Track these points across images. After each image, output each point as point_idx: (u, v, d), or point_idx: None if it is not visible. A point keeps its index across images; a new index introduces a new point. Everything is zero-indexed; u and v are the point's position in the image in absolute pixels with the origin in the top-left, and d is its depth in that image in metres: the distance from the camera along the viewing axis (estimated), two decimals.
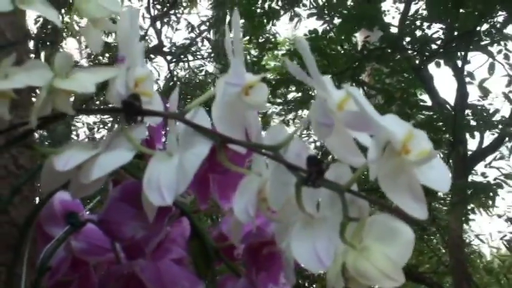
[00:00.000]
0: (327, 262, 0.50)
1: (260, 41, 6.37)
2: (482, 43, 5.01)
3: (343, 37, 5.17)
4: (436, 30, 5.10)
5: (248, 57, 6.63)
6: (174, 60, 7.32)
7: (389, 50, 4.99)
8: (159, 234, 0.70)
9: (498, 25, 4.87)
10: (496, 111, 5.34)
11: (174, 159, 0.56)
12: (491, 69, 5.58)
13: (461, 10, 4.66)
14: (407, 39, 5.00)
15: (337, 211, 0.52)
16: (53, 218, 0.79)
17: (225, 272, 0.75)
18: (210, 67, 7.74)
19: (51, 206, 0.79)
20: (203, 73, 7.55)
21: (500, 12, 4.84)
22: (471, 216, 5.72)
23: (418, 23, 5.08)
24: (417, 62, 5.10)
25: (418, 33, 5.03)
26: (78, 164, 0.57)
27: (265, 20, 5.62)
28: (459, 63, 5.22)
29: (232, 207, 0.71)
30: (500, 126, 5.13)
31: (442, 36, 5.02)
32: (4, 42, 0.75)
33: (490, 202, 5.44)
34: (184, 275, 0.70)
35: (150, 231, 0.71)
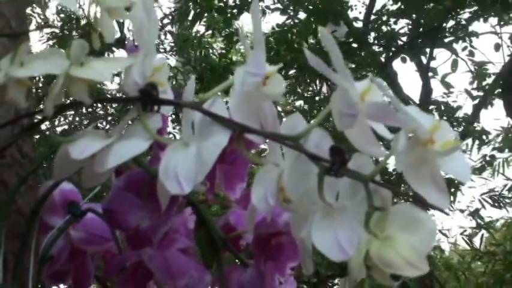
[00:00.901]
0: (349, 251, 0.50)
1: (223, 34, 6.35)
2: (447, 40, 5.05)
3: (309, 31, 5.16)
4: (402, 25, 5.14)
5: (211, 50, 6.60)
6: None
7: (355, 45, 5.01)
8: (167, 223, 0.70)
9: (463, 22, 4.92)
10: (458, 107, 5.40)
11: (191, 148, 0.56)
12: (454, 65, 5.63)
13: (428, 6, 4.69)
14: (374, 34, 5.02)
15: (358, 201, 0.53)
16: (52, 207, 0.79)
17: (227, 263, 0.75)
18: (173, 61, 7.70)
19: (50, 196, 0.78)
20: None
21: (466, 9, 4.89)
22: (431, 212, 5.76)
23: (384, 18, 5.11)
24: (383, 57, 5.13)
25: (385, 28, 5.06)
26: (94, 153, 0.57)
27: (236, 13, 5.59)
28: (423, 59, 5.26)
29: (237, 197, 0.72)
30: (463, 123, 5.19)
31: (408, 32, 5.05)
32: (10, 31, 0.74)
33: (452, 197, 5.50)
34: (192, 265, 0.70)
35: (155, 220, 0.71)
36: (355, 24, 5.18)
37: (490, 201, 5.84)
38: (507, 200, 5.79)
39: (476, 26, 4.92)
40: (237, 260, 0.74)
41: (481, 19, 4.95)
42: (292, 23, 5.39)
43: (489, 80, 5.26)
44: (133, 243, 0.73)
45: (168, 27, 7.27)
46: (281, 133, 0.57)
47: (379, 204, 0.51)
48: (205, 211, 0.72)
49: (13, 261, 0.67)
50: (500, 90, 4.78)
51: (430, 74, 5.36)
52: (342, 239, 0.51)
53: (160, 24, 7.23)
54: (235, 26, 6.53)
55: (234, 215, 0.74)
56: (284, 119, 0.59)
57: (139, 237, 0.71)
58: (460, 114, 5.30)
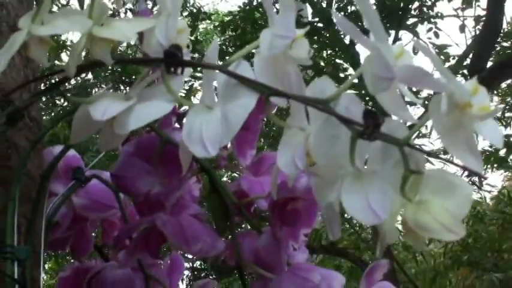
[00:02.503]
0: (382, 215, 0.49)
1: (186, 13, 6.30)
2: (412, 21, 5.07)
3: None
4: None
5: None
6: None
7: (321, 25, 5.00)
8: (180, 188, 0.70)
9: (428, 2, 4.94)
10: (419, 90, 5.42)
11: (215, 111, 0.55)
12: (416, 49, 5.64)
13: None
14: (339, 14, 5.01)
15: (390, 165, 0.52)
16: (55, 174, 0.78)
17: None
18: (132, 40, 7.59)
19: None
20: (125, 44, 7.43)
21: None
22: None
23: None
24: (348, 37, 5.13)
25: (350, 9, 5.06)
26: (116, 114, 0.56)
27: None
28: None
29: (248, 164, 0.71)
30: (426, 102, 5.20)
31: None
32: None
33: None
34: (206, 231, 0.70)
35: (168, 185, 0.70)
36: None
37: None
38: None
39: (441, 8, 4.95)
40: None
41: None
42: (256, 1, 5.37)
43: (452, 62, 5.28)
44: (143, 209, 0.72)
45: (129, 5, 7.21)
46: (309, 97, 0.56)
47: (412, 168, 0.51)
48: (217, 177, 0.72)
49: (25, 224, 0.66)
50: (465, 71, 4.80)
51: None
52: (374, 203, 0.50)
53: (122, 1, 7.12)
54: (197, 4, 6.49)
55: (246, 181, 0.73)
56: None
57: (150, 203, 0.71)
58: (422, 95, 5.33)
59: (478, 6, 5.28)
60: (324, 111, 0.54)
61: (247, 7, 5.13)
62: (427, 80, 0.51)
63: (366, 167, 0.54)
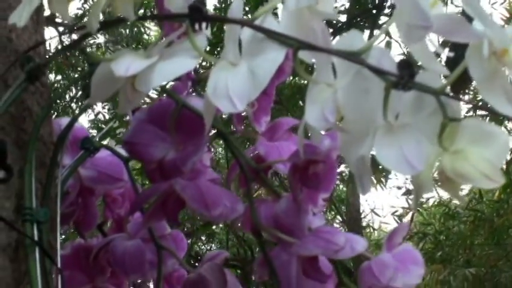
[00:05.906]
0: (418, 166, 0.49)
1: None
2: (386, 19, 5.08)
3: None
4: (342, 3, 5.14)
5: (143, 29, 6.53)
6: (66, 31, 7.13)
7: None
8: (198, 153, 0.68)
9: None
10: None
11: (240, 67, 0.54)
12: (388, 47, 5.66)
13: None
14: None
15: (424, 116, 0.52)
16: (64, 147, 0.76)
17: None
18: (102, 39, 7.57)
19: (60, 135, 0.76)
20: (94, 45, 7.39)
21: None
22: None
23: None
24: None
25: None
26: (140, 70, 0.55)
27: None
28: None
29: (263, 130, 0.70)
30: None
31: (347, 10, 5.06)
32: None
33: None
34: (225, 194, 0.68)
35: (182, 151, 0.69)
36: None
37: None
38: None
39: None
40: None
41: None
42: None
43: None
44: (155, 176, 0.71)
45: None
46: (339, 49, 0.55)
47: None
48: (234, 142, 0.71)
49: (40, 189, 0.65)
50: None
51: None
52: (409, 154, 0.50)
53: (91, 1, 7.12)
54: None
55: (263, 146, 0.72)
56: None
57: (164, 170, 0.69)
58: None
59: (452, 4, 5.29)
60: (357, 63, 0.53)
61: (223, 5, 5.11)
62: (463, 29, 0.50)
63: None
